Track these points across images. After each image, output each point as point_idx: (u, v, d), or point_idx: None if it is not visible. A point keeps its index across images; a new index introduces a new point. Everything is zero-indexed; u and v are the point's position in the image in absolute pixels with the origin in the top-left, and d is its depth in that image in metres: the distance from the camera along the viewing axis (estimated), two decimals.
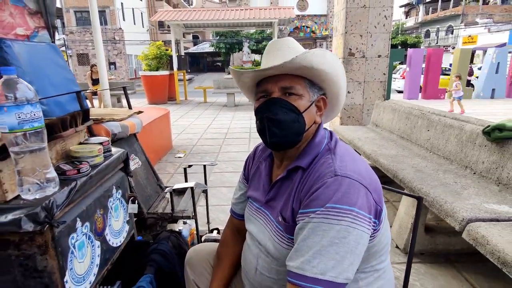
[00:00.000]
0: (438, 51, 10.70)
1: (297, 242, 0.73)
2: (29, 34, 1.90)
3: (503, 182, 1.82)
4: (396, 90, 13.66)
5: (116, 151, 1.27)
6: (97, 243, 1.08)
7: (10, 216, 0.80)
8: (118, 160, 1.24)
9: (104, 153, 1.15)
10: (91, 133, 1.61)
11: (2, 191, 0.81)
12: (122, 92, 3.80)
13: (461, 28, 28.60)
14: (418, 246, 2.05)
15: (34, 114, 0.80)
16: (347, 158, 0.79)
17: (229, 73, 21.60)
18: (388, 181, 2.53)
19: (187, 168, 2.03)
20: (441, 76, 11.35)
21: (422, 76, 10.79)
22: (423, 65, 10.79)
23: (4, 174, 0.81)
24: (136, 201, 1.36)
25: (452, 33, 30.95)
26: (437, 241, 2.05)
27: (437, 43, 32.78)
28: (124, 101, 10.05)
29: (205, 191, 1.98)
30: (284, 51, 0.84)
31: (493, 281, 1.79)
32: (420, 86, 10.92)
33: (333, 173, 0.73)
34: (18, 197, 0.85)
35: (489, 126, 1.92)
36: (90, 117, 1.25)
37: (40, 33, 1.96)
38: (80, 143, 1.17)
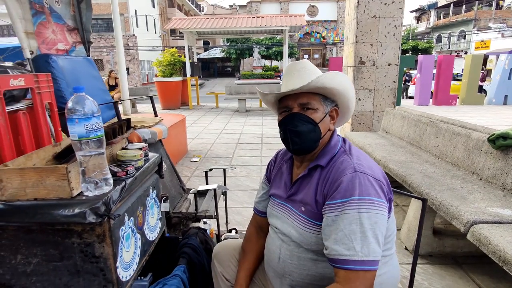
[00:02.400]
0: (449, 57, 10.69)
1: (335, 233, 0.85)
2: (68, 49, 2.10)
3: (507, 187, 1.91)
4: (407, 96, 13.65)
5: (152, 155, 1.43)
6: (138, 236, 1.24)
7: (76, 210, 0.96)
8: (154, 164, 1.40)
9: (143, 157, 1.31)
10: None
11: (69, 188, 0.97)
12: (137, 98, 3.98)
13: (473, 33, 28.32)
14: (426, 248, 2.15)
15: (98, 125, 0.96)
16: (361, 158, 0.96)
17: (239, 79, 21.87)
18: (397, 186, 2.64)
19: (208, 172, 2.18)
20: (453, 82, 11.33)
21: (433, 82, 10.79)
22: (434, 71, 10.80)
23: (72, 174, 0.97)
24: (168, 201, 1.52)
25: (464, 38, 30.66)
26: (445, 243, 2.15)
27: (449, 48, 32.49)
28: (138, 107, 10.35)
29: (224, 193, 2.13)
30: (301, 72, 1.00)
31: (499, 281, 1.88)
32: (432, 92, 10.92)
33: (353, 169, 0.90)
34: (80, 193, 1.01)
35: (493, 134, 2.02)
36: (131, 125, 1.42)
37: (77, 48, 2.17)
38: (123, 148, 1.33)
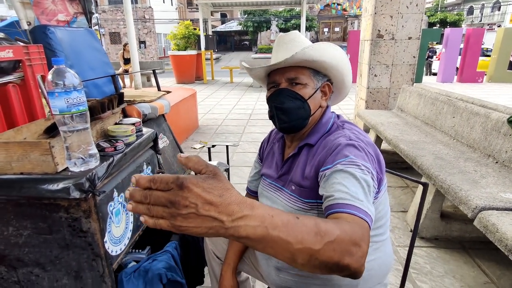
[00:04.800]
0: (478, 31, 9.98)
1: (332, 186, 0.73)
2: (69, 20, 2.06)
3: None
4: (431, 72, 13.02)
5: (146, 131, 1.40)
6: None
7: (61, 185, 0.95)
8: (148, 139, 1.38)
9: (136, 132, 1.29)
10: (124, 113, 1.76)
11: (54, 163, 0.96)
12: (142, 71, 3.97)
13: (509, 4, 26.24)
14: (432, 231, 2.09)
15: (80, 99, 0.93)
16: (355, 132, 0.89)
17: (256, 53, 21.42)
18: (407, 167, 2.54)
19: (212, 148, 2.16)
20: (481, 58, 10.65)
21: (460, 57, 10.18)
22: (461, 46, 10.15)
23: (56, 149, 0.96)
24: None
25: (499, 10, 28.51)
26: (452, 227, 2.08)
27: (480, 21, 30.38)
28: (153, 80, 10.37)
29: (227, 170, 2.11)
30: (289, 45, 0.93)
31: (507, 269, 1.81)
32: (457, 68, 10.34)
33: (348, 138, 0.84)
34: (66, 169, 1.00)
35: None
36: (124, 100, 1.39)
37: (79, 19, 2.12)
38: (116, 123, 1.31)
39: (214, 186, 0.44)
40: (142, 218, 0.44)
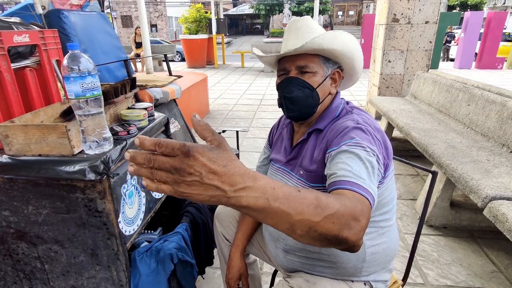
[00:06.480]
0: (500, 15, 9.54)
1: (336, 165, 0.75)
2: (82, 4, 2.07)
3: None
4: (448, 58, 12.60)
5: (158, 115, 1.43)
6: (143, 194, 1.28)
7: (77, 167, 0.99)
8: (160, 124, 1.40)
9: (148, 117, 1.32)
10: (136, 98, 1.78)
11: (70, 146, 1.00)
12: (153, 56, 3.99)
13: None
14: (441, 220, 2.09)
15: (94, 84, 0.95)
16: (364, 117, 0.90)
17: (268, 37, 21.08)
18: (418, 155, 2.52)
19: (222, 134, 2.18)
20: (503, 43, 10.23)
21: (479, 42, 9.80)
22: (482, 30, 9.76)
23: (72, 133, 0.99)
24: None
25: None
26: (462, 216, 2.07)
27: (504, 3, 28.98)
28: (165, 64, 10.37)
29: (237, 155, 2.14)
30: (300, 31, 0.92)
31: None
32: (476, 54, 9.97)
33: (355, 122, 0.85)
34: (82, 152, 1.04)
35: None
36: (136, 84, 1.41)
37: (91, 3, 2.13)
38: (129, 108, 1.34)
39: (219, 156, 0.44)
40: (144, 182, 0.44)
